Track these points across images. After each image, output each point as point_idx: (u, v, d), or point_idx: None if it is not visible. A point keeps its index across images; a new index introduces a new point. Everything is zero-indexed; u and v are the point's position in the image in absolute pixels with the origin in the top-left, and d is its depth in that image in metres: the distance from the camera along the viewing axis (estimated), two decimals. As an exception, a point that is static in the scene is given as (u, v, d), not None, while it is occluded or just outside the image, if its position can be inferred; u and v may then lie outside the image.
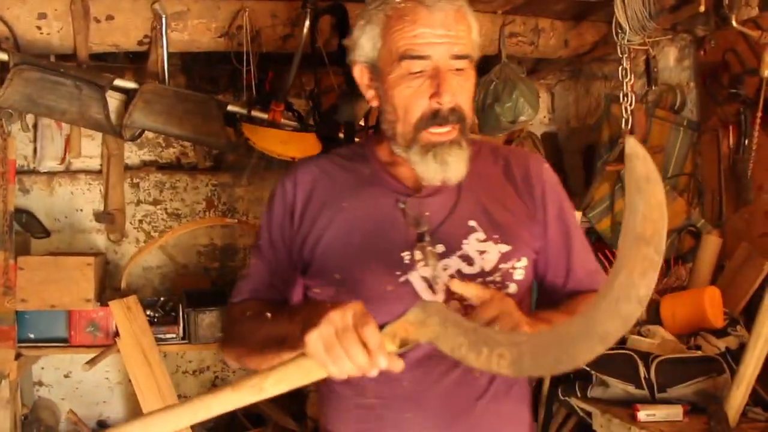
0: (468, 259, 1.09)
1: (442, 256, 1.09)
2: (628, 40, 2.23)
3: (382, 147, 1.17)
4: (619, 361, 1.91)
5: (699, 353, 1.95)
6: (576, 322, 0.83)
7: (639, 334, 2.10)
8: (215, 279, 2.92)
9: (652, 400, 1.83)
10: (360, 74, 1.14)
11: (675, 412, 1.75)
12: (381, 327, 0.88)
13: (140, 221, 2.92)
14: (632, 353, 1.92)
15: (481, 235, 1.11)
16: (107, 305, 2.37)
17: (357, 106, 2.26)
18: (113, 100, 2.24)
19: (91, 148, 2.85)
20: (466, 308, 1.02)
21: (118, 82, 2.23)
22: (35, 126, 2.76)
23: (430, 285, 1.07)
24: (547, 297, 1.22)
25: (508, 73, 2.53)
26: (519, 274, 1.12)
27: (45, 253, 2.65)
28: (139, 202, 2.91)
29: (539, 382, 2.42)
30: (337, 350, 0.85)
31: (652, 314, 2.16)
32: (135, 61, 2.60)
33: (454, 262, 1.09)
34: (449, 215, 1.11)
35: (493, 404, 1.11)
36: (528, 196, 1.17)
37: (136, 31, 2.26)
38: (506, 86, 2.51)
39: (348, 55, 1.14)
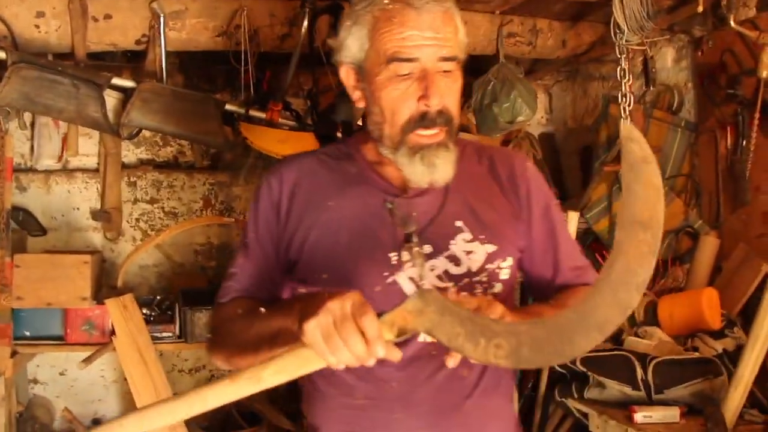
0: (455, 260, 1.10)
1: (430, 256, 1.09)
2: (626, 41, 2.23)
3: (368, 146, 1.17)
4: (616, 362, 1.91)
5: (696, 355, 1.94)
6: (573, 311, 0.83)
7: (636, 335, 2.10)
8: (212, 278, 2.91)
9: (648, 402, 1.83)
10: (346, 75, 1.13)
11: (672, 414, 1.74)
12: (379, 316, 0.88)
13: (137, 220, 2.92)
14: (629, 354, 1.92)
15: (467, 235, 1.11)
16: (103, 303, 2.36)
17: (355, 106, 2.26)
18: (111, 98, 2.24)
19: (88, 147, 2.85)
20: None
21: (116, 81, 2.23)
22: (32, 124, 2.75)
23: (418, 286, 1.07)
24: (536, 294, 1.23)
25: (505, 74, 2.53)
26: (505, 274, 1.12)
27: (41, 251, 2.65)
28: (136, 201, 2.91)
29: (536, 382, 2.42)
30: (336, 339, 0.85)
31: (650, 315, 2.16)
32: (133, 60, 2.60)
33: (441, 263, 1.09)
34: (436, 216, 1.11)
35: (480, 401, 1.11)
36: (513, 195, 1.17)
37: (134, 30, 2.26)
38: (504, 86, 2.51)
39: (334, 55, 1.14)
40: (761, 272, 2.07)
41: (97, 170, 2.86)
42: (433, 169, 1.06)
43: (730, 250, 2.24)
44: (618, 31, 2.21)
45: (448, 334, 0.86)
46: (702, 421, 1.70)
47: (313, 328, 0.86)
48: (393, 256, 1.08)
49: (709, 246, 2.29)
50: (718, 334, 2.01)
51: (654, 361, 1.86)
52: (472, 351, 0.85)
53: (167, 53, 2.27)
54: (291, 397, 2.60)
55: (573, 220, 2.36)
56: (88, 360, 2.33)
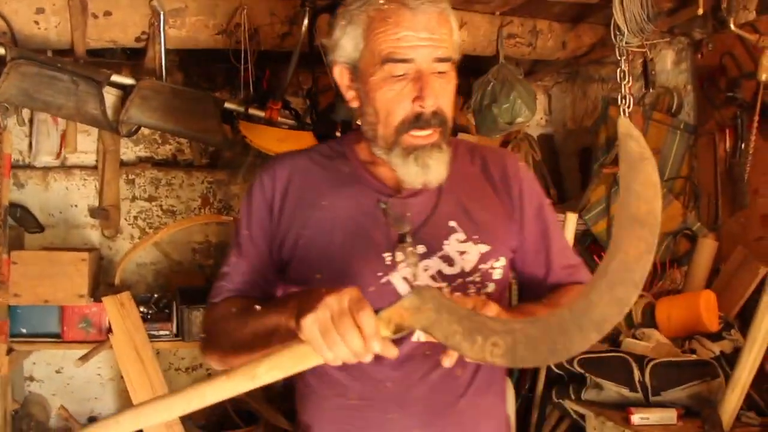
0: (448, 260, 1.09)
1: (423, 256, 1.09)
2: (626, 43, 2.23)
3: (361, 146, 1.16)
4: (613, 363, 1.91)
5: (694, 357, 1.95)
6: (570, 309, 0.82)
7: (634, 337, 2.10)
8: (210, 276, 2.90)
9: (646, 404, 1.83)
10: (340, 75, 1.12)
11: (669, 416, 1.75)
12: (376, 312, 0.87)
13: (135, 217, 2.91)
14: (627, 356, 1.92)
15: (461, 235, 1.11)
16: (101, 301, 2.36)
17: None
18: (110, 95, 2.24)
19: (86, 144, 2.84)
20: None
21: (115, 78, 2.23)
22: (31, 121, 2.75)
23: (412, 286, 1.07)
24: (528, 294, 1.22)
25: (505, 74, 2.53)
26: (498, 274, 1.12)
27: (39, 248, 2.64)
28: (134, 199, 2.90)
29: (533, 383, 2.42)
30: (333, 334, 0.85)
31: (647, 317, 2.16)
32: (132, 58, 2.59)
33: (435, 263, 1.09)
34: (430, 216, 1.11)
35: (474, 400, 1.11)
36: (506, 195, 1.17)
37: (134, 27, 2.25)
38: (504, 87, 2.51)
39: (327, 55, 1.13)
40: (759, 275, 2.07)
41: (95, 167, 2.86)
42: (426, 170, 1.06)
43: (728, 252, 2.25)
44: (618, 33, 2.22)
45: (445, 332, 0.86)
46: (699, 423, 1.71)
47: (310, 323, 0.86)
48: (387, 257, 1.08)
49: (707, 248, 2.30)
50: (715, 337, 2.01)
51: (651, 363, 1.86)
52: (469, 349, 0.84)
53: (167, 51, 2.27)
54: (287, 395, 2.59)
55: (572, 221, 2.36)
56: (84, 358, 2.32)
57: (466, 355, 0.86)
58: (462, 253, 1.10)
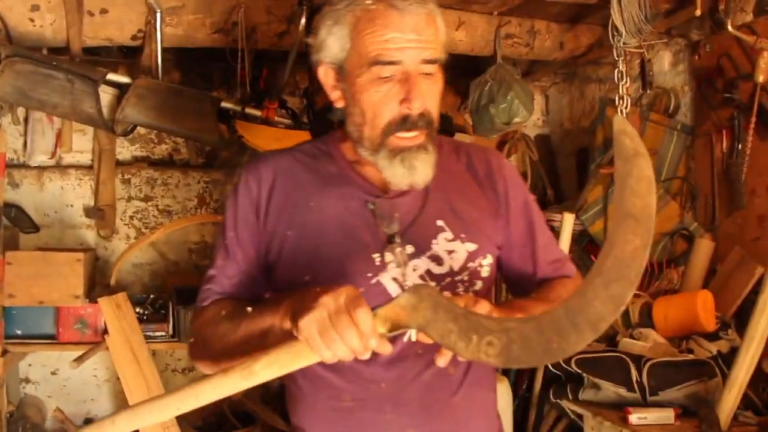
0: (437, 259, 1.09)
1: (412, 256, 1.08)
2: (623, 44, 2.23)
3: (346, 145, 1.15)
4: (610, 363, 1.92)
5: (691, 357, 1.95)
6: (565, 307, 0.82)
7: (631, 337, 2.10)
8: (206, 277, 2.89)
9: (643, 403, 1.84)
10: (325, 75, 1.11)
11: (666, 416, 1.75)
12: (372, 309, 0.87)
13: (131, 217, 2.90)
14: (624, 356, 1.92)
15: (449, 234, 1.11)
16: (96, 302, 2.34)
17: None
18: (106, 94, 2.22)
19: (82, 143, 2.82)
20: None
21: (111, 77, 2.21)
22: (26, 119, 2.73)
23: (402, 286, 1.07)
24: (518, 289, 1.23)
25: (503, 75, 2.53)
26: (485, 272, 1.13)
27: (34, 249, 2.62)
28: (130, 198, 2.89)
29: (530, 383, 2.42)
30: (331, 333, 0.85)
31: (644, 317, 2.16)
32: (128, 56, 2.58)
33: (424, 263, 1.09)
34: (418, 215, 1.11)
35: (467, 396, 1.12)
36: (491, 191, 1.17)
37: (131, 25, 2.24)
38: (501, 87, 2.51)
39: (312, 54, 1.12)
40: (755, 275, 2.08)
41: (91, 167, 2.84)
42: (413, 172, 1.06)
43: (724, 252, 2.25)
44: (616, 34, 2.22)
45: (441, 331, 0.85)
46: (696, 422, 1.71)
47: (308, 324, 0.86)
48: (376, 257, 1.08)
49: (704, 248, 2.30)
50: (712, 336, 2.02)
51: (649, 363, 1.86)
52: (464, 349, 0.84)
53: (163, 49, 2.25)
54: (284, 396, 2.59)
55: (569, 221, 2.36)
56: (80, 359, 2.31)
57: (461, 355, 0.86)
58: (450, 252, 1.10)
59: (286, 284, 1.09)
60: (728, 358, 1.82)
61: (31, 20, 2.15)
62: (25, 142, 2.76)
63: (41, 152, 2.75)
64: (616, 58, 2.31)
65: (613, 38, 2.24)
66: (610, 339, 2.17)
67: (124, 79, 2.23)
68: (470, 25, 2.52)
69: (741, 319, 2.05)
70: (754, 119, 2.10)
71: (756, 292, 1.84)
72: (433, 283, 1.08)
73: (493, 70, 2.54)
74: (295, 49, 2.24)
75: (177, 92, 2.29)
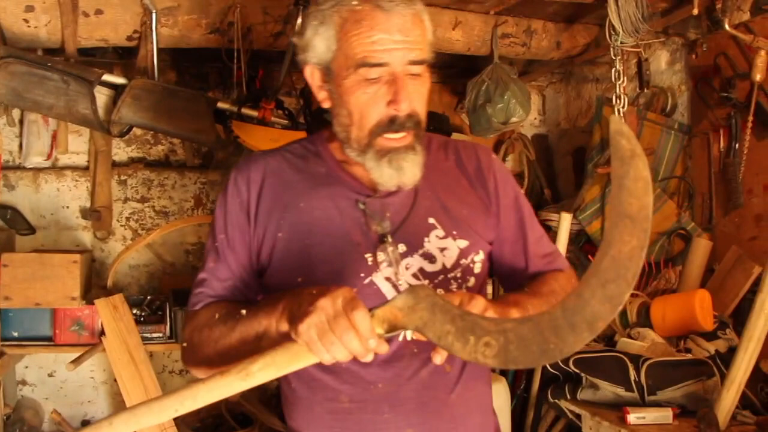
0: (430, 257, 1.09)
1: (404, 255, 1.08)
2: (620, 43, 2.23)
3: (334, 145, 1.15)
4: (609, 363, 1.91)
5: (689, 356, 1.95)
6: (562, 308, 0.82)
7: (629, 336, 2.10)
8: (203, 278, 2.88)
9: (641, 403, 1.84)
10: (311, 75, 1.11)
11: (665, 415, 1.75)
12: (369, 311, 0.87)
13: (127, 219, 2.89)
14: (622, 356, 1.92)
15: (440, 232, 1.11)
16: (93, 303, 2.33)
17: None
18: (101, 95, 2.21)
19: (78, 144, 2.82)
20: None
21: (107, 78, 2.20)
22: (21, 121, 2.71)
23: (395, 285, 1.07)
24: (508, 285, 1.23)
25: (500, 74, 2.53)
26: (477, 268, 1.13)
27: (30, 250, 2.61)
28: (126, 200, 2.88)
29: (528, 383, 2.41)
30: (330, 336, 0.85)
31: (642, 317, 2.16)
32: (124, 57, 2.57)
33: (416, 261, 1.09)
34: (409, 214, 1.11)
35: (464, 393, 1.12)
36: (481, 188, 1.17)
37: (126, 25, 2.23)
38: (498, 87, 2.51)
39: (299, 54, 1.11)
40: (753, 274, 2.08)
41: (87, 168, 2.83)
42: (401, 172, 1.06)
43: (722, 252, 2.25)
44: (613, 33, 2.22)
45: (438, 333, 0.86)
46: (695, 422, 1.71)
47: (307, 328, 0.86)
48: (368, 257, 1.08)
49: (701, 248, 2.30)
50: (710, 336, 2.02)
51: (647, 363, 1.86)
52: (461, 349, 0.84)
53: (159, 50, 2.25)
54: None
55: (566, 221, 2.36)
56: (77, 361, 2.30)
57: (458, 356, 0.86)
58: (442, 249, 1.10)
59: (278, 286, 1.08)
60: (726, 358, 1.82)
61: (26, 21, 2.14)
62: (21, 144, 2.74)
63: (37, 154, 2.74)
64: (613, 58, 2.31)
65: (610, 37, 2.24)
66: (608, 339, 2.17)
67: (119, 80, 2.22)
68: (467, 24, 2.51)
69: (739, 318, 2.06)
70: (751, 118, 2.10)
71: (753, 291, 1.84)
72: (426, 281, 1.08)
73: (490, 70, 2.54)
74: (291, 49, 2.23)
75: (173, 93, 2.28)
